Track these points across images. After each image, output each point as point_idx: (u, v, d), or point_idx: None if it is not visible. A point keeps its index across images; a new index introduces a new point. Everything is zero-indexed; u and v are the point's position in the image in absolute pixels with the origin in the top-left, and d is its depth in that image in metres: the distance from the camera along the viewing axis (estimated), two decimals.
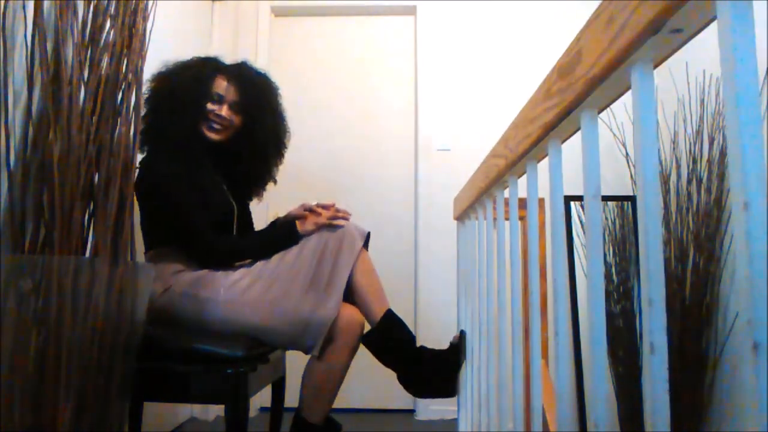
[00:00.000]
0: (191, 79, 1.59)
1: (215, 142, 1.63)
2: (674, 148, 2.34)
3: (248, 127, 1.67)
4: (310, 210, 1.64)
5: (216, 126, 1.62)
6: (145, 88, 1.57)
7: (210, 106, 1.61)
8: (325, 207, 1.64)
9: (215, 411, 2.50)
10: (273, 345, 1.53)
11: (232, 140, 1.67)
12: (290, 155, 2.83)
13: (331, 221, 1.57)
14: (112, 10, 1.33)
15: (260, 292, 1.47)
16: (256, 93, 1.67)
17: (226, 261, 1.55)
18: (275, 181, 1.85)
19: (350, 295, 1.56)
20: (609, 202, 2.38)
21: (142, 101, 1.45)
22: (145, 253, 1.60)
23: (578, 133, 0.72)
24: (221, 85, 1.62)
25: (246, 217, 1.79)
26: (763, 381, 0.37)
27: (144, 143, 1.59)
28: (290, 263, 1.52)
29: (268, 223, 1.84)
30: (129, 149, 1.35)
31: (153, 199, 1.55)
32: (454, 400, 1.69)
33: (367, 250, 1.61)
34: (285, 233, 1.59)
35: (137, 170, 1.44)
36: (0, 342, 1.06)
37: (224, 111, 1.62)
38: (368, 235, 1.62)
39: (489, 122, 2.75)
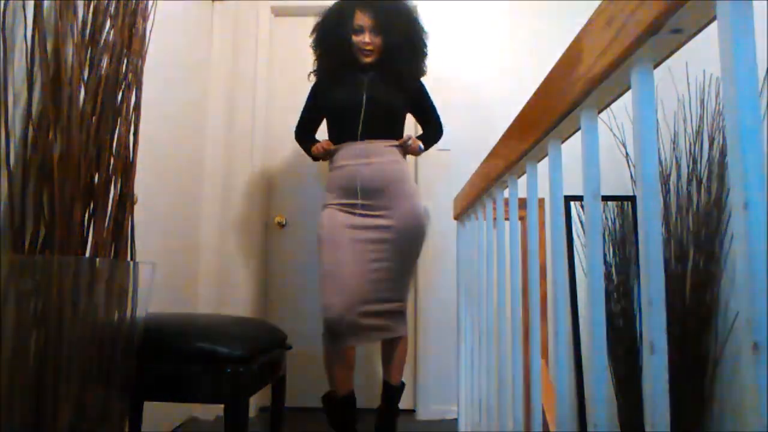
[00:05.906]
0: (335, 22, 2.07)
1: (371, 62, 2.09)
2: (674, 148, 2.33)
3: (387, 42, 2.07)
4: None
5: (367, 52, 2.07)
6: (311, 38, 2.17)
7: (355, 38, 2.06)
8: None
9: (215, 411, 2.50)
10: None
11: (382, 54, 2.10)
12: (290, 155, 2.84)
13: None
14: (112, 10, 1.33)
15: None
16: (387, 12, 2.06)
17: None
18: (422, 74, 2.22)
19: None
20: (609, 202, 2.37)
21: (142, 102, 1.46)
22: None
23: (578, 133, 0.72)
24: (360, 17, 2.05)
25: (390, 108, 2.12)
26: (763, 381, 0.37)
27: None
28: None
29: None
30: (129, 149, 1.35)
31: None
32: (454, 399, 1.68)
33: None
34: None
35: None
36: (0, 342, 1.06)
37: (367, 38, 2.06)
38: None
39: (489, 122, 2.74)
